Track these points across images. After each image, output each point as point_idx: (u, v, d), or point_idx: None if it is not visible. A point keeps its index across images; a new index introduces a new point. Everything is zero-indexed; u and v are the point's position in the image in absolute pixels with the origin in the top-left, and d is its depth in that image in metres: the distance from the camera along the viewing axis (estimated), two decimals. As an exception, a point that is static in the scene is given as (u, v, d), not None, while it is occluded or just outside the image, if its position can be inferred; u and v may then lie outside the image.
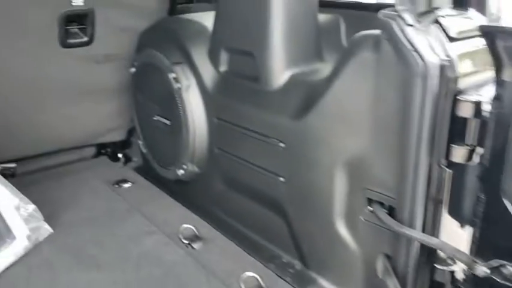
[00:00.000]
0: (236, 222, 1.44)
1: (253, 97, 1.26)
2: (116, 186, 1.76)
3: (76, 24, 1.64)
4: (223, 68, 1.38)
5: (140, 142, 1.78)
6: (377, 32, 0.94)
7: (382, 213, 0.98)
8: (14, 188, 1.36)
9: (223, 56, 1.37)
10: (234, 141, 1.36)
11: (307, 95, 1.13)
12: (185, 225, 1.46)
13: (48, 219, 1.43)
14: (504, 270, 0.82)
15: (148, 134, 1.72)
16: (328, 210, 1.12)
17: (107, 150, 2.08)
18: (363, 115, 0.98)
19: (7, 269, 1.26)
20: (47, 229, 1.40)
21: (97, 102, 1.86)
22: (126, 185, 1.76)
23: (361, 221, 1.05)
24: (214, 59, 1.40)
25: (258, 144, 1.26)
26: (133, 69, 1.68)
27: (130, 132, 2.06)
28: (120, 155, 2.06)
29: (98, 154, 2.07)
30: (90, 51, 1.69)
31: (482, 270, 0.83)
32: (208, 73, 1.41)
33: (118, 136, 2.02)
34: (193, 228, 1.46)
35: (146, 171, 1.83)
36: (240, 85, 1.31)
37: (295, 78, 1.18)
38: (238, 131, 1.31)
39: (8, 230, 1.30)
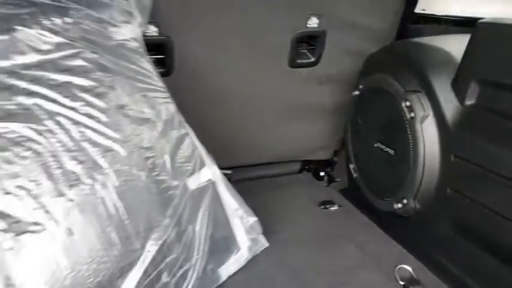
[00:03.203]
0: (463, 274, 1.28)
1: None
2: (323, 207, 1.75)
3: (306, 46, 1.68)
4: (470, 101, 1.25)
5: (351, 166, 1.74)
6: None
7: None
8: (241, 199, 1.43)
9: (473, 88, 1.23)
10: (482, 188, 1.20)
11: None
12: (401, 265, 1.36)
13: (263, 232, 1.48)
14: None
15: (363, 159, 1.67)
16: None
17: (310, 167, 2.11)
18: None
19: (229, 277, 1.33)
20: (263, 243, 1.44)
21: (311, 121, 1.88)
22: (333, 208, 1.73)
23: None
24: (459, 90, 1.27)
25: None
26: (356, 92, 1.65)
27: (335, 152, 2.05)
28: (322, 173, 2.07)
29: (301, 170, 2.11)
30: (315, 71, 1.71)
31: None
32: (449, 105, 1.29)
33: (324, 155, 2.02)
34: (410, 269, 1.35)
35: (353, 196, 1.78)
36: (496, 124, 1.16)
37: None
38: (492, 178, 1.16)
39: (234, 239, 1.37)
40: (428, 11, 1.80)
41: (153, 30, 1.42)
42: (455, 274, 1.31)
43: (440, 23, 1.74)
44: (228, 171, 1.94)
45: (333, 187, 1.94)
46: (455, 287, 1.29)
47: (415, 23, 1.81)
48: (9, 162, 0.94)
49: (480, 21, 1.21)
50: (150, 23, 1.36)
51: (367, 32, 1.66)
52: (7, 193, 0.93)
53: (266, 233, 1.48)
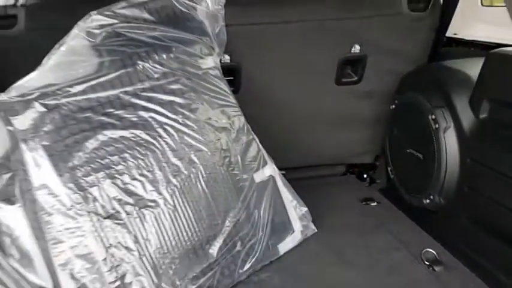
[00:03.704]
0: (481, 259, 1.54)
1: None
2: (364, 203, 2.06)
3: (350, 67, 2.01)
4: (483, 115, 1.53)
5: (389, 168, 2.04)
6: None
7: None
8: (295, 192, 1.78)
9: (485, 105, 1.51)
10: (492, 186, 1.47)
11: None
12: (427, 249, 1.65)
13: (313, 221, 1.82)
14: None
15: (398, 163, 1.97)
16: None
17: (354, 170, 2.42)
18: None
19: (286, 252, 1.68)
20: (313, 229, 1.77)
21: (354, 130, 2.20)
22: (373, 204, 2.04)
23: None
24: (475, 106, 1.55)
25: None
26: (393, 106, 1.96)
27: (377, 157, 2.35)
28: (365, 176, 2.38)
29: (346, 172, 2.43)
30: (357, 88, 2.03)
31: None
32: (467, 118, 1.57)
33: (366, 159, 2.33)
34: (434, 253, 1.64)
35: (390, 194, 2.08)
36: (504, 133, 1.44)
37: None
38: (501, 178, 1.42)
39: (289, 223, 1.72)
40: (459, 35, 2.08)
41: (226, 59, 1.81)
42: (474, 259, 1.58)
43: (469, 46, 2.02)
44: (283, 171, 2.31)
45: (374, 187, 2.25)
46: (473, 269, 1.56)
47: (447, 45, 2.10)
48: (135, 158, 1.35)
49: (491, 51, 1.50)
50: (225, 52, 1.74)
51: (403, 55, 1.97)
52: (134, 179, 1.34)
53: (315, 221, 1.81)
